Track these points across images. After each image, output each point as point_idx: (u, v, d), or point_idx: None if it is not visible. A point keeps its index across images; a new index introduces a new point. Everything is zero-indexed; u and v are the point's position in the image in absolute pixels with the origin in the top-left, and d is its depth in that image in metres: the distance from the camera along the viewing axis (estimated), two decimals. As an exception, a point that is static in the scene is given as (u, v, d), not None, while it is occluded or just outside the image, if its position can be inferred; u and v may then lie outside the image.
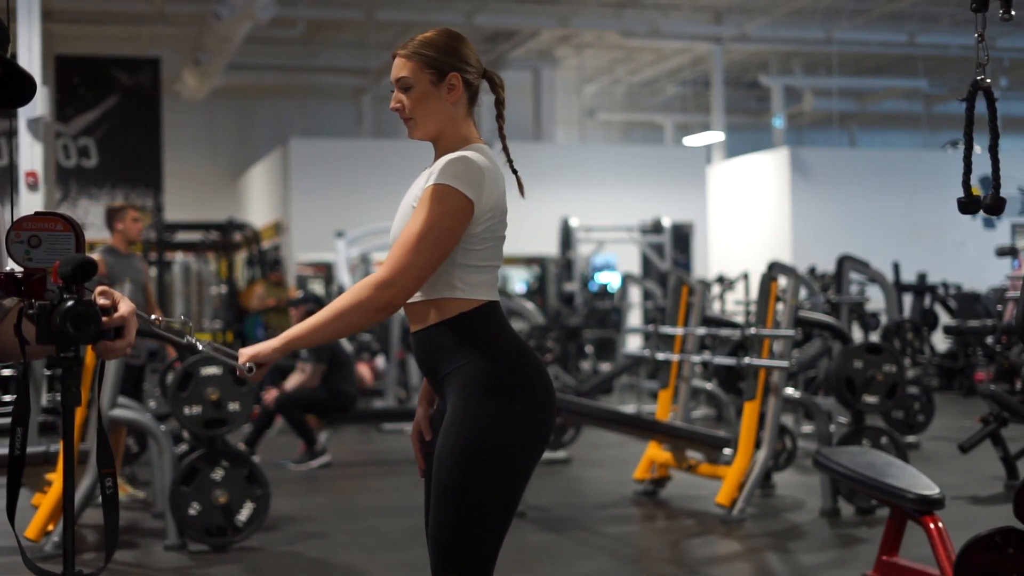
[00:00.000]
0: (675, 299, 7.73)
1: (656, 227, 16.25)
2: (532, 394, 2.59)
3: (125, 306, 2.09)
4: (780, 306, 6.76)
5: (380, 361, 11.31)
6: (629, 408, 10.69)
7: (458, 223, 2.55)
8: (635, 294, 15.23)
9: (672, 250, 16.22)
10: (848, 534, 5.99)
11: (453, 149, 2.67)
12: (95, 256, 7.12)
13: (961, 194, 2.97)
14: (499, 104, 2.86)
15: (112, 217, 7.33)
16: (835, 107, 21.70)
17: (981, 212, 2.93)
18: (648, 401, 11.36)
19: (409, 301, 2.61)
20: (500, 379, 2.56)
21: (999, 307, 11.43)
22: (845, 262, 9.61)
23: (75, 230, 2.09)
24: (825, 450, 4.70)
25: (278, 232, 17.99)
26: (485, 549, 2.58)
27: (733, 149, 20.95)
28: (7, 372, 6.43)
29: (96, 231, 18.34)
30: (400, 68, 2.69)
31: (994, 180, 2.91)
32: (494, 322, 2.61)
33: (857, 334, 10.93)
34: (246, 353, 2.59)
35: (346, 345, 8.55)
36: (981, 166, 3.02)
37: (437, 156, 2.70)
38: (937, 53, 20.32)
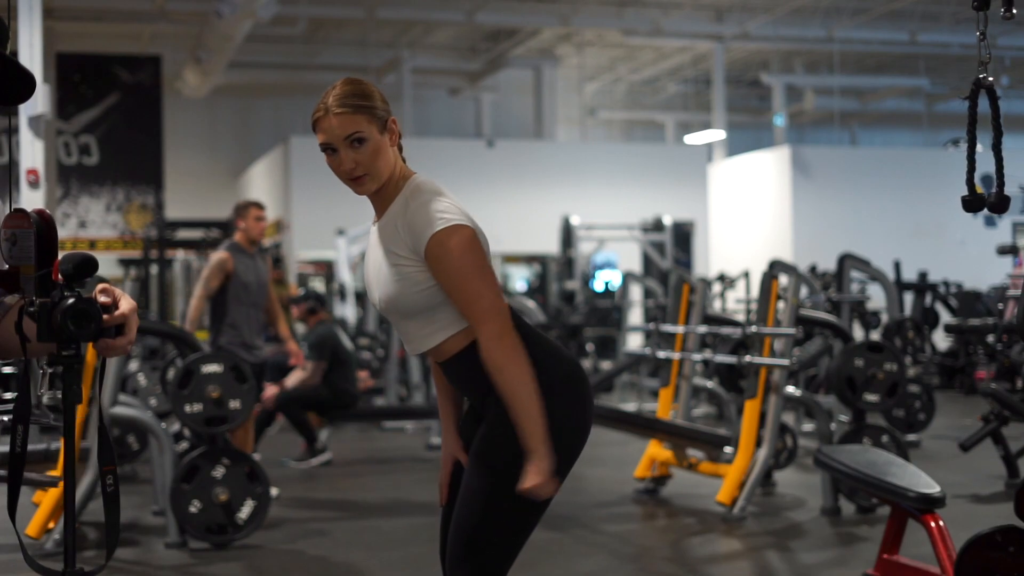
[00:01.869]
0: (676, 297, 7.73)
1: (657, 225, 16.25)
2: (575, 396, 2.68)
3: (126, 304, 2.09)
4: (781, 304, 6.76)
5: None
6: (630, 406, 10.69)
7: (480, 250, 2.60)
8: (636, 292, 15.24)
9: (673, 248, 16.21)
10: (849, 533, 5.99)
11: (398, 188, 2.68)
12: (221, 252, 7.12)
13: (965, 192, 2.96)
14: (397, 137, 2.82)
15: (236, 214, 7.16)
16: (836, 106, 21.70)
17: (984, 210, 2.92)
18: (649, 399, 11.36)
19: (432, 345, 2.67)
20: (548, 384, 2.60)
21: (1000, 306, 11.43)
22: (846, 260, 9.61)
23: (36, 227, 2.08)
24: (826, 448, 4.70)
25: (279, 230, 17.99)
26: (511, 549, 2.65)
27: (734, 147, 20.95)
28: (8, 369, 6.42)
29: (96, 228, 18.38)
30: (347, 124, 2.60)
31: (998, 178, 2.90)
32: (520, 325, 2.64)
33: (858, 332, 10.93)
34: (539, 482, 2.54)
35: (346, 343, 8.55)
36: (982, 165, 3.01)
37: (379, 203, 2.70)
38: (938, 52, 20.32)
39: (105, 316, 2.04)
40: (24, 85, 2.17)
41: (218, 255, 7.10)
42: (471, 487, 2.62)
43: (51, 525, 5.44)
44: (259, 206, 7.22)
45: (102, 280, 4.05)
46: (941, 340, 14.72)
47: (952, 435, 8.88)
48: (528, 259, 18.91)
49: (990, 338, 11.32)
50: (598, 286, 16.66)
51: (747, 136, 23.30)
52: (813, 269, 13.63)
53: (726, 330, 7.57)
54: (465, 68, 21.46)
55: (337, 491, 7.45)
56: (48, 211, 2.13)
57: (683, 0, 18.09)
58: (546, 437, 2.54)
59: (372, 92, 2.66)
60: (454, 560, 2.64)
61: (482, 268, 2.58)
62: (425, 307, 2.62)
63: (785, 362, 6.35)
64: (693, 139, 21.48)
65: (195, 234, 16.17)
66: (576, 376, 2.68)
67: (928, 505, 4.01)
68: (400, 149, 2.74)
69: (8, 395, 5.82)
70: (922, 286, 13.81)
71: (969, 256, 17.68)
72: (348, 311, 13.54)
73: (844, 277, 9.58)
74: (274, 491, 6.61)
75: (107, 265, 16.75)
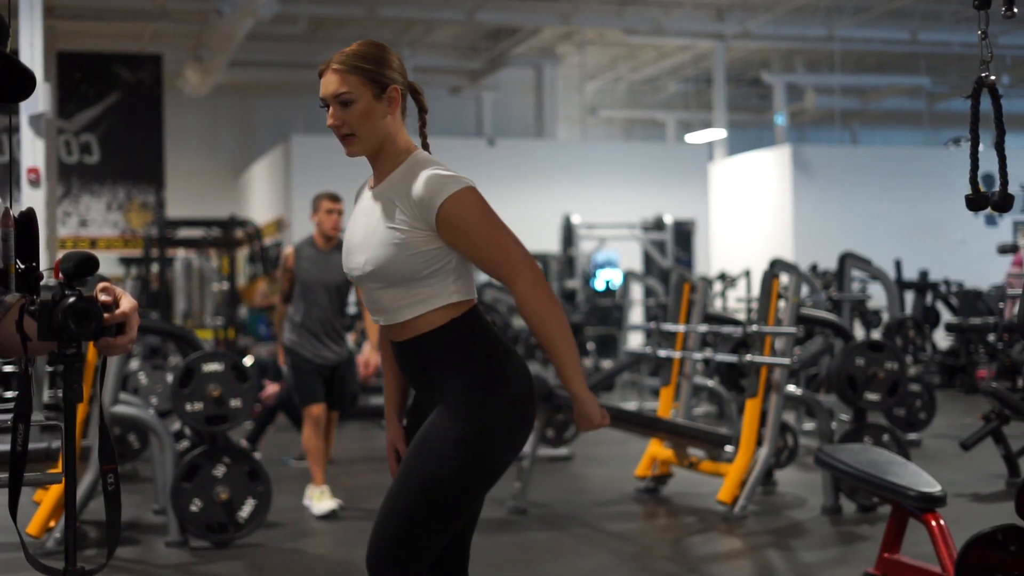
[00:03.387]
0: (677, 296, 7.73)
1: (658, 224, 16.25)
2: (520, 394, 2.65)
3: (127, 302, 2.09)
4: (782, 303, 6.76)
5: None
6: (631, 405, 10.69)
7: (492, 208, 2.62)
8: (637, 291, 15.24)
9: (674, 247, 16.22)
10: (850, 531, 5.99)
11: (397, 160, 2.67)
12: (286, 248, 7.03)
13: (966, 191, 2.96)
14: (423, 113, 2.82)
15: (311, 207, 6.69)
16: (837, 104, 21.69)
17: (987, 209, 2.92)
18: (650, 398, 11.36)
19: (408, 317, 2.62)
20: (497, 381, 2.60)
21: (1001, 305, 11.42)
22: (847, 259, 9.61)
23: (16, 226, 2.10)
24: (827, 447, 4.70)
25: (280, 229, 17.99)
26: (438, 541, 2.62)
27: (735, 146, 20.94)
28: (8, 368, 6.42)
29: (97, 227, 18.39)
30: (338, 83, 2.62)
31: (1001, 177, 2.90)
32: (482, 322, 2.65)
33: (859, 331, 10.94)
34: (591, 423, 2.71)
35: (347, 340, 8.54)
36: (984, 164, 3.01)
37: (378, 169, 2.70)
38: (939, 51, 20.31)
39: (106, 315, 2.05)
40: (24, 83, 2.17)
41: (284, 251, 6.98)
42: (423, 474, 2.57)
43: (52, 524, 5.45)
44: (332, 198, 6.61)
45: (103, 279, 4.05)
46: (942, 339, 14.72)
47: (953, 434, 8.88)
48: (529, 258, 18.89)
49: (991, 337, 11.33)
50: (599, 285, 16.65)
51: (748, 135, 23.28)
52: (814, 268, 13.64)
53: (727, 329, 7.58)
54: (466, 67, 21.46)
55: (338, 490, 7.45)
56: (32, 208, 2.15)
57: (684, -1, 18.11)
58: (584, 381, 2.66)
59: (381, 57, 2.65)
60: (387, 547, 2.59)
61: (502, 224, 2.61)
62: (413, 275, 2.58)
63: (786, 361, 6.35)
64: (694, 138, 21.48)
65: (196, 233, 16.16)
66: (525, 371, 2.68)
67: (929, 504, 4.01)
68: (422, 112, 2.77)
69: (9, 394, 5.82)
70: (923, 285, 13.82)
71: (970, 255, 17.67)
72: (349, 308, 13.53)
73: (845, 276, 9.58)
74: (334, 504, 6.48)
75: (108, 264, 16.76)
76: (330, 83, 2.62)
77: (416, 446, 2.62)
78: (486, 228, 2.57)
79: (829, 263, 13.09)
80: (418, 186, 2.57)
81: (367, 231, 2.64)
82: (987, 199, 2.90)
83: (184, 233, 16.23)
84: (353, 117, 2.61)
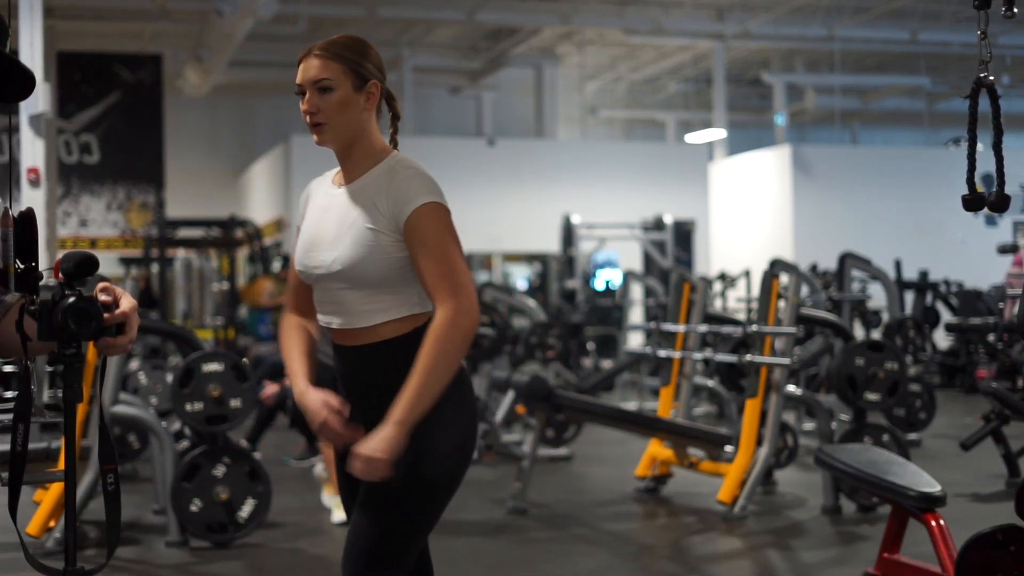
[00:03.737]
0: (677, 296, 7.73)
1: (658, 224, 16.25)
2: (473, 400, 2.65)
3: (127, 302, 2.10)
4: (782, 303, 6.76)
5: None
6: (631, 405, 10.69)
7: (456, 232, 2.55)
8: (637, 291, 15.24)
9: (674, 247, 16.22)
10: (850, 531, 5.99)
11: (369, 158, 2.61)
12: None
13: (965, 191, 2.96)
14: (395, 120, 2.74)
15: None
16: (837, 104, 21.70)
17: (985, 209, 2.92)
18: (650, 398, 11.35)
19: (370, 323, 2.54)
20: (457, 389, 2.56)
21: (1000, 305, 11.43)
22: (847, 259, 9.61)
23: (16, 226, 2.11)
24: (827, 447, 4.70)
25: (279, 229, 17.99)
26: (414, 550, 2.59)
27: (735, 146, 20.95)
28: (8, 368, 6.42)
29: (97, 227, 18.39)
30: (319, 69, 2.54)
31: (998, 177, 2.90)
32: None
33: (859, 331, 10.94)
34: (375, 460, 2.42)
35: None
36: (983, 164, 3.01)
37: (349, 165, 2.61)
38: (939, 51, 20.31)
39: (106, 315, 2.05)
40: (24, 83, 2.18)
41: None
42: (401, 486, 2.50)
43: (52, 524, 5.45)
44: None
45: (103, 279, 4.05)
46: (942, 339, 14.72)
47: (953, 434, 8.88)
48: (529, 258, 18.91)
49: (991, 337, 11.33)
50: (599, 285, 16.66)
51: (748, 135, 23.29)
52: (814, 268, 13.64)
53: (727, 329, 7.58)
54: (466, 67, 21.46)
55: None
56: (31, 208, 2.15)
57: (684, -1, 18.12)
58: (413, 420, 2.44)
59: (364, 51, 2.59)
60: (373, 557, 2.53)
61: (461, 249, 2.54)
62: (382, 280, 2.52)
63: (786, 361, 6.35)
64: (694, 138, 21.48)
65: (196, 233, 16.16)
66: (469, 379, 2.65)
67: (929, 504, 4.01)
68: (395, 119, 2.70)
69: (9, 394, 5.82)
70: (923, 285, 13.81)
71: (970, 255, 17.67)
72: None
73: (845, 276, 9.58)
74: None
75: (108, 264, 16.76)
76: (311, 68, 2.55)
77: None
78: (448, 242, 2.50)
79: (829, 263, 13.08)
80: (400, 185, 2.53)
81: (339, 228, 2.55)
82: (984, 199, 2.90)
83: (184, 233, 16.23)
84: (330, 105, 2.54)
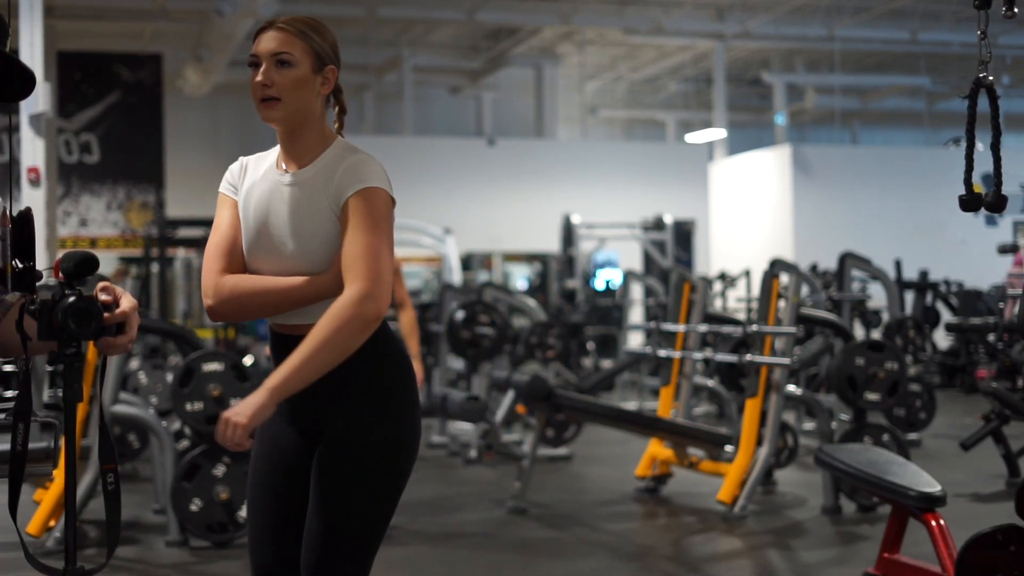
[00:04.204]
0: (677, 296, 7.73)
1: (658, 224, 16.25)
2: (418, 394, 2.60)
3: (127, 302, 2.10)
4: (782, 303, 6.76)
5: None
6: (631, 405, 10.69)
7: (393, 225, 2.49)
8: (637, 291, 15.24)
9: (674, 247, 16.22)
10: (849, 531, 5.99)
11: (319, 144, 2.51)
12: None
13: (963, 191, 2.96)
14: (342, 113, 2.62)
15: None
16: (837, 104, 21.69)
17: (983, 209, 2.92)
18: (650, 398, 11.35)
19: (320, 314, 2.43)
20: (411, 380, 2.54)
21: (1001, 305, 11.43)
22: (847, 259, 9.61)
23: (13, 225, 2.11)
24: (827, 447, 4.70)
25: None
26: (375, 550, 2.57)
27: (735, 146, 20.95)
28: (8, 368, 6.42)
29: (97, 227, 18.38)
30: (281, 42, 2.45)
31: (996, 177, 2.91)
32: (387, 326, 2.53)
33: (859, 331, 10.94)
34: (235, 423, 2.30)
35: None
36: (983, 164, 3.02)
37: (295, 149, 2.51)
38: (939, 51, 20.31)
39: (106, 314, 2.05)
40: (24, 82, 2.18)
41: None
42: (361, 478, 2.45)
43: (52, 523, 5.45)
44: None
45: (103, 278, 4.05)
46: (942, 339, 14.72)
47: (953, 434, 8.88)
48: (529, 257, 18.90)
49: (991, 337, 11.33)
50: (599, 285, 16.66)
51: (748, 135, 23.29)
52: (814, 268, 13.64)
53: (727, 329, 7.58)
54: (466, 67, 21.46)
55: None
56: (29, 207, 2.15)
57: (684, -1, 18.12)
58: (285, 390, 2.34)
59: (326, 33, 2.53)
60: (345, 553, 2.49)
61: (389, 239, 2.44)
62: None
63: (786, 361, 6.35)
64: (694, 138, 21.48)
65: (196, 233, 16.15)
66: (414, 397, 2.57)
67: (929, 504, 4.01)
68: (342, 113, 2.58)
69: (9, 393, 5.83)
70: (923, 285, 13.81)
71: (970, 255, 17.68)
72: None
73: (845, 276, 9.58)
74: None
75: (108, 263, 16.77)
76: (271, 40, 2.46)
77: (337, 451, 2.46)
78: (377, 228, 2.41)
79: (829, 263, 13.08)
80: (345, 170, 2.45)
81: (296, 216, 2.46)
82: (981, 199, 2.90)
83: (184, 233, 16.22)
84: (287, 81, 2.44)
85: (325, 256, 2.46)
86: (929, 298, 13.97)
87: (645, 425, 6.97)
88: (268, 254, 2.50)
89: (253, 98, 2.50)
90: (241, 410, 2.32)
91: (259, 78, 2.45)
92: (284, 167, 2.54)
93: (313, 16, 2.59)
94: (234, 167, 2.63)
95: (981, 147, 2.96)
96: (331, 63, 2.52)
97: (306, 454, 2.53)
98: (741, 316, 12.34)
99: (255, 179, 2.56)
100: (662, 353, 7.57)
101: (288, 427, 2.56)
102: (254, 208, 2.53)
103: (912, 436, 8.60)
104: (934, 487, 4.04)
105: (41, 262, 2.16)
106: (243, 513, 5.59)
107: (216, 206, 2.62)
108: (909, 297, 14.25)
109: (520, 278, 19.41)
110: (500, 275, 18.56)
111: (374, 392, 2.48)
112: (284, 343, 2.51)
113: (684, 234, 18.33)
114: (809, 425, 9.05)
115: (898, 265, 13.97)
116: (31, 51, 8.37)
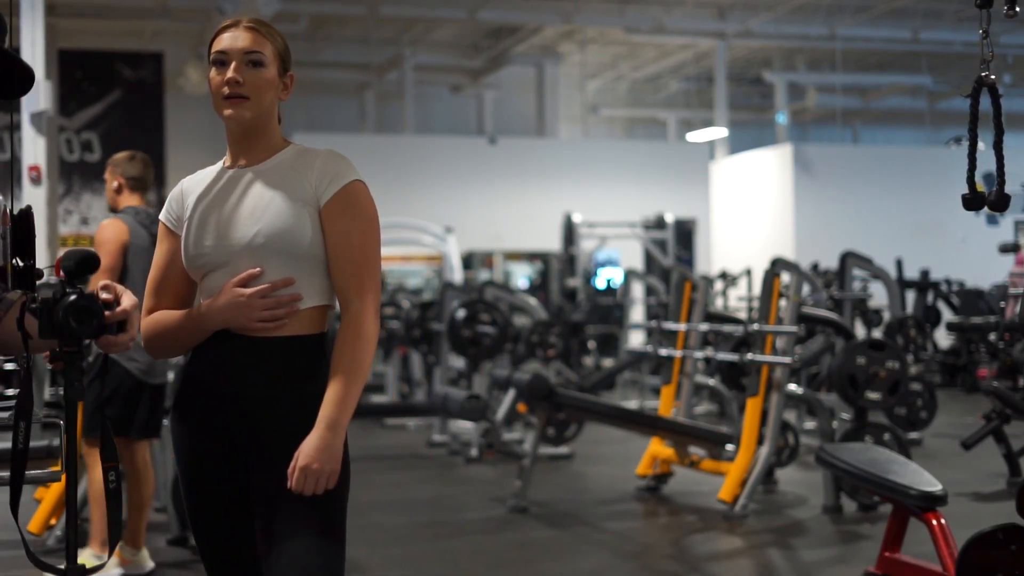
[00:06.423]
0: (678, 295, 7.73)
1: (659, 223, 16.25)
2: None
3: (128, 300, 2.10)
4: (783, 302, 6.76)
5: None
6: (631, 404, 10.69)
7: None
8: (638, 290, 15.24)
9: (675, 246, 16.22)
10: (850, 530, 5.99)
11: (269, 144, 2.48)
12: None
13: (965, 190, 2.96)
14: (278, 121, 2.61)
15: None
16: (838, 103, 21.68)
17: (985, 209, 2.92)
18: (651, 397, 11.36)
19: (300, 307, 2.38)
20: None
21: (1002, 304, 11.42)
22: (848, 258, 9.60)
23: (13, 223, 2.12)
24: (828, 446, 4.70)
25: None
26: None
27: (736, 145, 20.94)
28: (9, 366, 6.42)
29: (97, 226, 18.40)
30: (254, 41, 2.44)
31: (999, 177, 2.90)
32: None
33: (860, 330, 10.93)
34: (320, 471, 2.22)
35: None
36: (984, 163, 3.01)
37: (249, 149, 2.47)
38: (941, 50, 20.30)
39: (107, 313, 2.05)
40: (23, 79, 2.18)
41: None
42: (324, 501, 2.29)
43: (53, 521, 5.45)
44: None
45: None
46: (943, 338, 14.72)
47: (954, 433, 8.87)
48: (530, 256, 18.89)
49: (992, 336, 11.32)
50: (600, 283, 16.66)
51: (749, 134, 23.28)
52: (815, 267, 13.64)
53: (728, 328, 7.58)
54: (467, 65, 21.46)
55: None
56: (29, 206, 2.16)
57: (685, -3, 18.12)
58: (345, 425, 2.28)
59: (285, 41, 2.54)
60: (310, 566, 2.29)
61: (379, 241, 2.45)
62: (306, 255, 2.36)
63: (787, 360, 6.35)
64: (695, 137, 21.48)
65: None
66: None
67: (930, 503, 4.01)
68: (278, 123, 2.56)
69: (10, 392, 5.82)
70: (924, 284, 13.81)
71: (971, 254, 17.67)
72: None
73: (846, 275, 9.57)
74: None
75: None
76: (244, 39, 2.44)
77: (283, 481, 2.28)
78: (371, 234, 2.39)
79: (830, 262, 13.09)
80: (324, 163, 2.42)
81: (258, 202, 2.39)
82: (983, 199, 2.90)
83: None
84: (259, 80, 2.42)
85: (292, 239, 2.35)
86: (930, 297, 13.96)
87: (646, 424, 6.97)
88: (234, 236, 2.38)
89: (214, 95, 2.45)
90: (318, 456, 2.23)
91: (231, 74, 2.41)
92: (234, 165, 2.51)
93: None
94: (174, 192, 2.56)
95: (983, 146, 2.96)
96: (290, 70, 2.53)
97: (236, 467, 2.39)
98: (742, 315, 12.34)
99: (201, 191, 2.49)
100: (663, 352, 7.56)
101: (211, 444, 2.40)
102: (202, 207, 2.46)
103: (913, 435, 8.59)
104: (935, 486, 4.04)
105: (42, 260, 2.16)
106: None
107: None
108: (910, 296, 14.25)
109: (521, 277, 19.41)
110: (501, 274, 18.56)
111: (309, 404, 2.33)
112: (248, 345, 2.37)
113: (685, 233, 18.33)
114: (810, 424, 9.05)
115: (899, 264, 13.97)
116: (32, 49, 8.37)
